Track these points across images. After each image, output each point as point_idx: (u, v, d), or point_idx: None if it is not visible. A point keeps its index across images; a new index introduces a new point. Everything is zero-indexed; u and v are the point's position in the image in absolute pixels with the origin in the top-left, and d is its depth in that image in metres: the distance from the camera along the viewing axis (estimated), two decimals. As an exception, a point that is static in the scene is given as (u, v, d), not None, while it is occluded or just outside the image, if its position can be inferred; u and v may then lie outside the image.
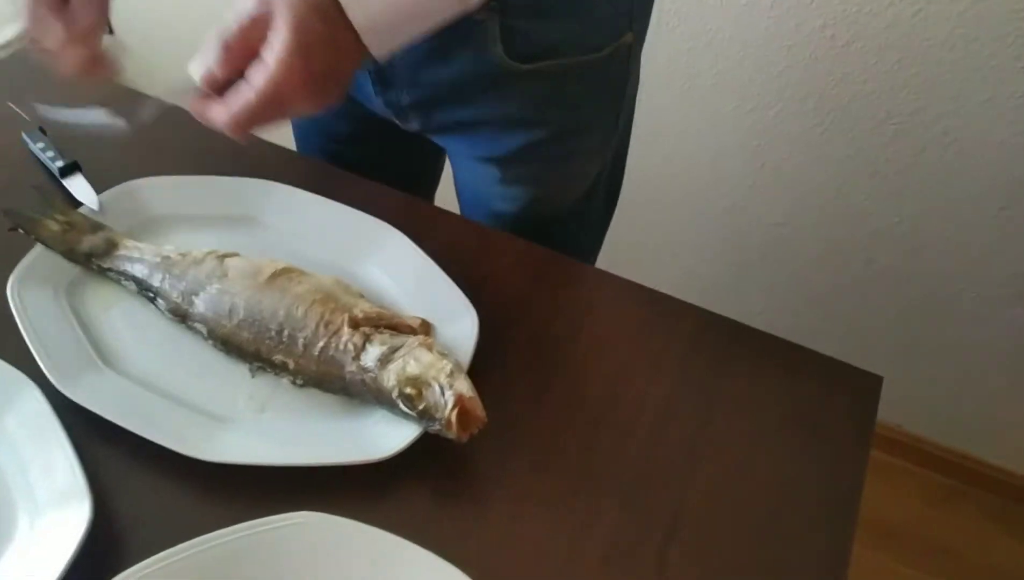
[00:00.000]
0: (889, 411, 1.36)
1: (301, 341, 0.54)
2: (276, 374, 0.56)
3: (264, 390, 0.56)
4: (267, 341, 0.55)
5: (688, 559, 0.51)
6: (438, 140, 0.76)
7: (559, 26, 0.64)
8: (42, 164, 0.69)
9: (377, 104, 0.71)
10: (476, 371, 0.55)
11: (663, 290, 0.65)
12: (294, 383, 0.55)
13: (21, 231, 0.60)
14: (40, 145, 0.69)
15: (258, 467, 0.50)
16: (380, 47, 0.48)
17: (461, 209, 0.82)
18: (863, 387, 0.60)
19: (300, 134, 0.85)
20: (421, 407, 0.50)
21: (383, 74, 0.67)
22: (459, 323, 0.58)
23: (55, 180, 0.68)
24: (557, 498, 0.53)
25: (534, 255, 0.68)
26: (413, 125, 0.72)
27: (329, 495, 0.50)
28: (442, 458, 0.53)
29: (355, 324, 0.54)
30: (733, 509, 0.53)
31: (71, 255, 0.60)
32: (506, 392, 0.57)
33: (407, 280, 0.62)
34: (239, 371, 0.56)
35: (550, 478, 0.54)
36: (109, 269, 0.59)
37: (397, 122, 0.72)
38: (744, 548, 0.51)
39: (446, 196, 0.85)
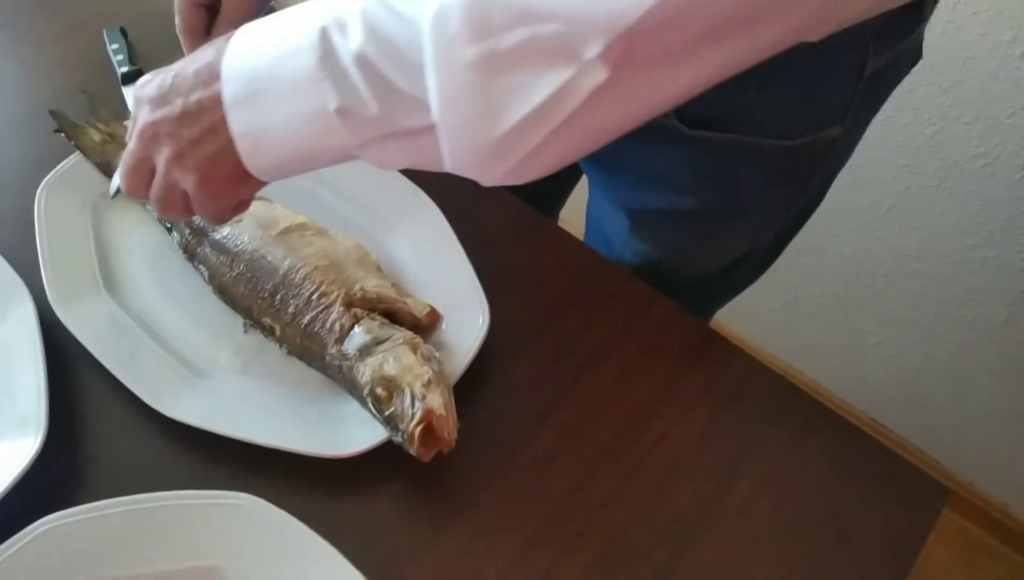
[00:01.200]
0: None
1: (292, 308, 0.50)
2: (264, 336, 0.52)
3: (251, 350, 0.53)
4: (260, 301, 0.51)
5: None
6: (581, 164, 0.67)
7: (747, 98, 0.51)
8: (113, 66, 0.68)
9: None
10: (477, 377, 0.50)
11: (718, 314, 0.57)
12: (282, 348, 0.52)
13: (63, 135, 0.60)
14: (115, 46, 0.68)
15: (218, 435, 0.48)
16: (272, 179, 0.43)
17: (586, 234, 0.73)
18: (923, 496, 0.50)
19: None
20: (388, 412, 0.45)
21: None
22: (468, 321, 0.52)
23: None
24: (520, 544, 0.47)
25: (585, 260, 0.61)
26: None
27: (282, 479, 0.47)
28: (409, 469, 0.48)
29: (349, 303, 0.50)
30: None
31: (105, 168, 0.59)
32: (503, 408, 0.52)
33: (431, 261, 0.57)
34: (234, 324, 0.54)
35: (520, 522, 0.48)
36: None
37: None
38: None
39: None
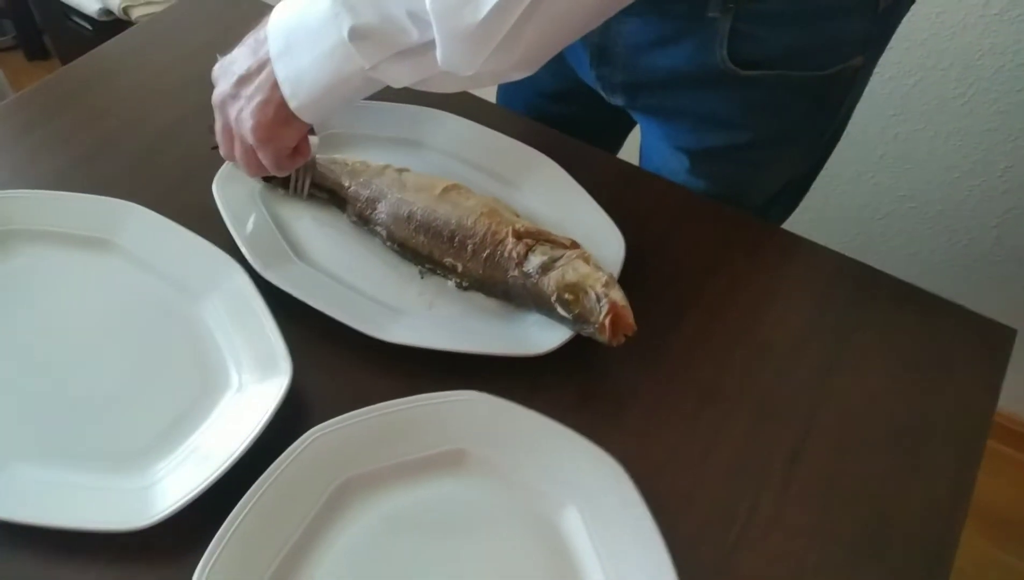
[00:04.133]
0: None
1: (470, 247, 0.60)
2: (444, 276, 0.62)
3: (432, 289, 0.62)
4: (439, 245, 0.61)
5: (811, 480, 0.54)
6: (636, 116, 0.78)
7: (790, 39, 0.62)
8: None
9: (588, 75, 0.73)
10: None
11: (803, 229, 0.68)
12: (459, 286, 0.62)
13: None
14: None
15: (428, 351, 0.57)
16: (313, 118, 0.55)
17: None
18: (996, 337, 0.62)
19: (506, 87, 0.90)
20: (577, 311, 0.55)
21: (603, 52, 0.69)
22: (606, 247, 0.63)
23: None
24: (690, 409, 0.58)
25: (675, 195, 0.72)
26: (617, 100, 0.74)
27: (489, 382, 0.56)
28: (587, 364, 0.59)
29: (518, 236, 0.60)
30: (860, 438, 0.56)
31: (269, 179, 0.67)
32: (646, 313, 0.61)
33: (559, 206, 0.67)
34: (410, 273, 0.63)
35: (685, 391, 0.59)
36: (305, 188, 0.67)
37: (603, 94, 0.75)
38: (867, 475, 0.55)
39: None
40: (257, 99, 0.54)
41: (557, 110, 0.84)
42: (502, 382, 0.56)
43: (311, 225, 0.66)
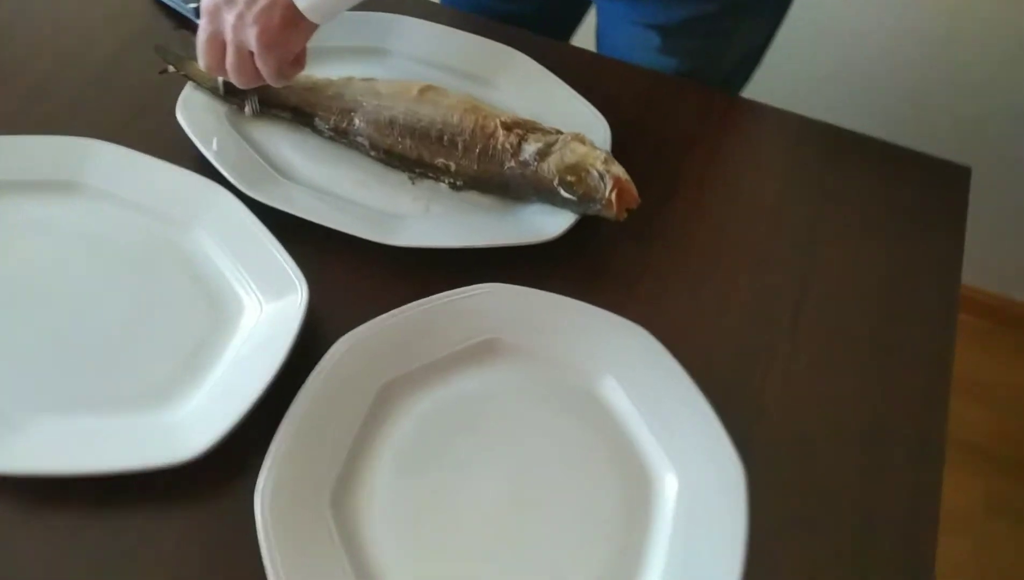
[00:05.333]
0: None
1: (460, 144, 0.60)
2: (436, 178, 0.62)
3: (425, 193, 0.62)
4: (428, 147, 0.60)
5: (817, 322, 0.58)
6: (599, 0, 0.77)
7: None
8: (171, 10, 0.73)
9: None
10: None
11: (764, 98, 0.71)
12: (453, 186, 0.61)
13: (171, 70, 0.65)
14: (165, -10, 0.73)
15: (435, 251, 0.57)
16: (322, 19, 0.54)
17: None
18: (954, 177, 0.67)
19: None
20: (582, 192, 0.56)
21: None
22: (592, 133, 0.63)
23: (184, 23, 0.71)
24: (696, 273, 0.60)
25: (643, 77, 0.73)
26: None
27: (499, 274, 0.56)
28: (591, 245, 0.60)
29: (507, 127, 0.60)
30: (853, 282, 0.60)
31: (217, 92, 0.64)
32: (639, 191, 0.63)
33: (535, 98, 0.67)
34: (399, 180, 0.62)
35: (687, 257, 0.61)
36: (263, 104, 0.64)
37: None
38: (864, 315, 0.59)
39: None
40: (261, 3, 0.51)
41: (506, 8, 0.83)
42: (512, 273, 0.56)
43: (286, 144, 0.64)
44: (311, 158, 0.63)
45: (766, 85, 0.86)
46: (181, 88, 0.64)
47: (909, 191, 0.66)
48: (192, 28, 0.71)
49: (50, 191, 0.59)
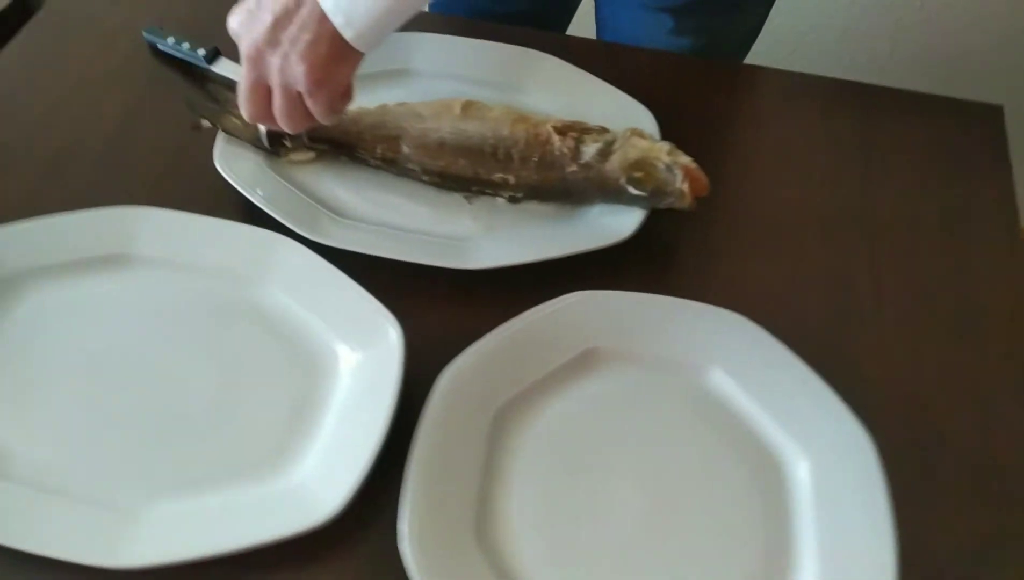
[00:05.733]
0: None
1: (516, 156, 0.59)
2: (493, 194, 0.60)
3: (483, 211, 0.61)
4: (484, 163, 0.59)
5: (893, 278, 0.59)
6: None
7: None
8: (176, 60, 0.70)
9: None
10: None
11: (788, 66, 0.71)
12: (511, 200, 0.60)
13: (205, 124, 0.62)
14: (170, 40, 0.70)
15: (514, 268, 0.56)
16: (368, 47, 0.51)
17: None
18: (989, 115, 0.68)
19: None
20: (652, 186, 0.56)
21: None
22: (639, 125, 0.62)
23: (191, 73, 0.69)
24: (766, 251, 0.60)
25: (664, 60, 0.72)
26: None
27: (577, 281, 0.55)
28: (655, 238, 0.59)
29: (560, 132, 0.59)
30: (917, 233, 0.61)
31: (257, 143, 0.62)
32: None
33: (572, 99, 0.66)
34: (454, 200, 0.61)
35: (753, 235, 0.61)
36: (304, 146, 0.62)
37: None
38: (934, 263, 0.60)
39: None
40: (305, 38, 0.48)
41: (501, 9, 0.82)
42: (586, 278, 0.56)
43: (328, 181, 0.62)
44: (359, 192, 0.62)
45: (779, 52, 0.87)
46: (202, 141, 0.62)
47: (949, 136, 0.67)
48: (200, 75, 0.69)
49: (101, 267, 0.56)
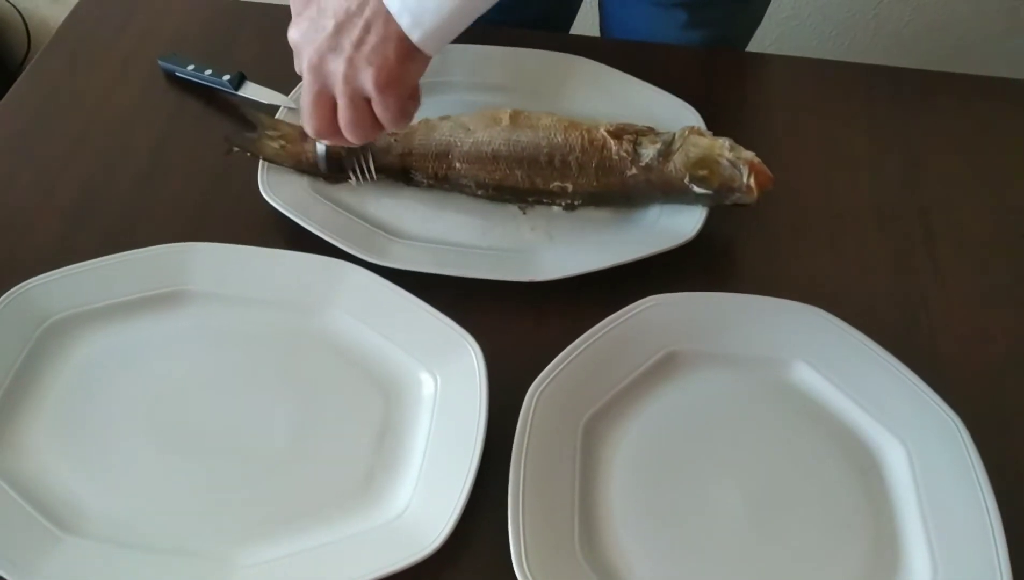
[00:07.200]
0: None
1: (574, 163, 0.58)
2: (549, 203, 0.59)
3: (540, 221, 0.59)
4: (540, 173, 0.58)
5: (953, 255, 0.59)
6: None
7: None
8: (195, 85, 0.68)
9: None
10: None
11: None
12: (568, 208, 0.59)
13: (243, 152, 0.60)
14: (190, 67, 0.68)
15: (580, 277, 0.55)
16: (435, 49, 0.49)
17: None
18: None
19: None
20: (717, 183, 0.55)
21: None
22: (683, 122, 0.62)
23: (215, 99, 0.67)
24: (827, 240, 0.60)
25: (687, 56, 0.72)
26: None
27: (645, 284, 0.55)
28: (715, 235, 0.59)
29: (616, 136, 0.58)
30: (968, 208, 0.62)
31: (300, 167, 0.60)
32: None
33: (612, 100, 0.65)
34: (508, 212, 0.60)
35: (812, 225, 0.61)
36: (363, 169, 0.60)
37: None
38: (989, 236, 0.61)
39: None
40: (370, 42, 0.46)
41: (509, 19, 0.81)
42: (652, 281, 0.55)
43: (376, 203, 0.60)
44: (408, 209, 0.60)
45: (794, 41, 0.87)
46: (238, 169, 0.61)
47: (985, 112, 0.68)
48: (225, 101, 0.66)
49: (158, 306, 0.54)
